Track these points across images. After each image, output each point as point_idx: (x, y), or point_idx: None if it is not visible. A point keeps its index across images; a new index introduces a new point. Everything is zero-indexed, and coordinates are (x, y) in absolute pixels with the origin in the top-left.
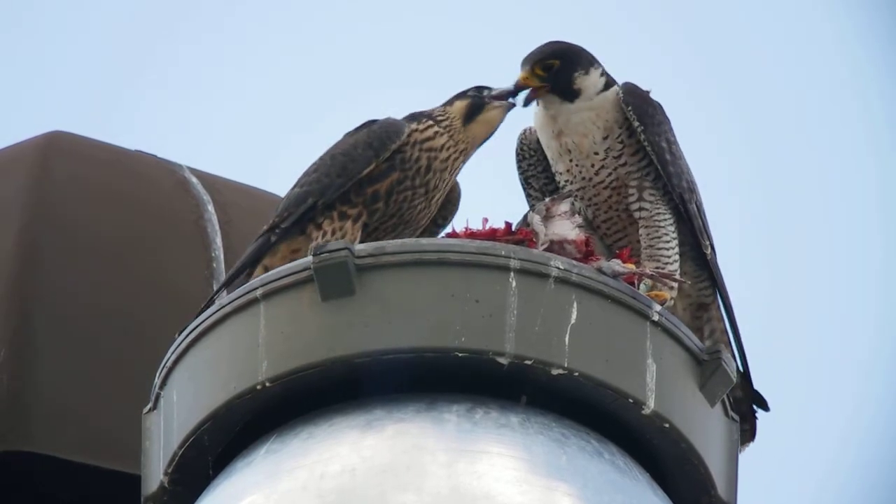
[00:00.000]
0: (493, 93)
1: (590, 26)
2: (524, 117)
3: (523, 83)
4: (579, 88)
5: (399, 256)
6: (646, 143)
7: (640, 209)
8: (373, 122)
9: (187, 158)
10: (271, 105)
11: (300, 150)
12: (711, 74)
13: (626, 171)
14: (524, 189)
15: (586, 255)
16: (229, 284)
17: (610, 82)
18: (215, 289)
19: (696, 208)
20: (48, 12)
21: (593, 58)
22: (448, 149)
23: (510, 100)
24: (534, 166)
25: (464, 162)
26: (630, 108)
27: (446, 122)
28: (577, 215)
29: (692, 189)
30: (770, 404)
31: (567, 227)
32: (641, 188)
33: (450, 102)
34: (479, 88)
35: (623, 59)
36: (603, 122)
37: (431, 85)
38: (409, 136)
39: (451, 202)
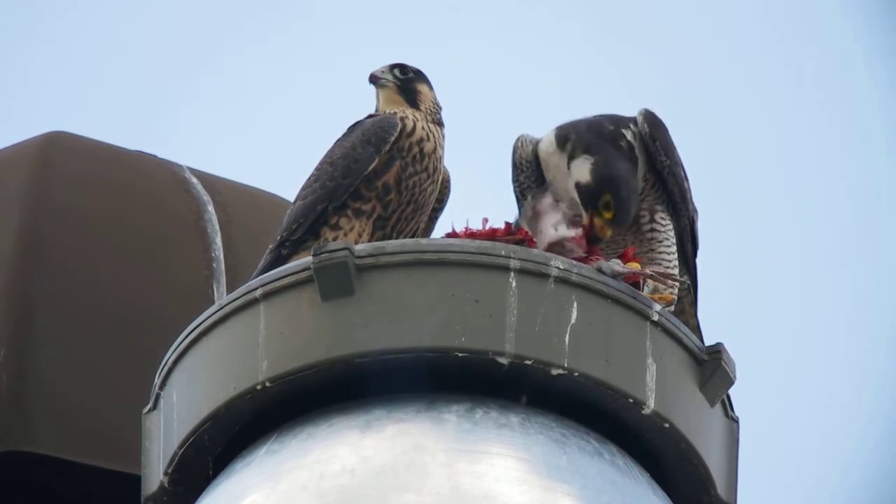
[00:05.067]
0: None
1: (597, 29)
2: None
3: (603, 232)
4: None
5: (399, 256)
6: (669, 177)
7: (652, 230)
8: (358, 123)
9: (187, 159)
10: (272, 105)
11: (301, 150)
12: (710, 75)
13: (646, 201)
14: (519, 202)
15: (589, 249)
16: None
17: (627, 128)
18: (216, 291)
19: (697, 226)
20: (49, 12)
21: (618, 135)
22: (427, 131)
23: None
24: (529, 178)
25: (440, 141)
26: (657, 143)
27: (401, 115)
28: (560, 202)
29: (696, 209)
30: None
31: (558, 219)
32: (653, 211)
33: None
34: (404, 69)
35: (618, 60)
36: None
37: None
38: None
39: (443, 183)
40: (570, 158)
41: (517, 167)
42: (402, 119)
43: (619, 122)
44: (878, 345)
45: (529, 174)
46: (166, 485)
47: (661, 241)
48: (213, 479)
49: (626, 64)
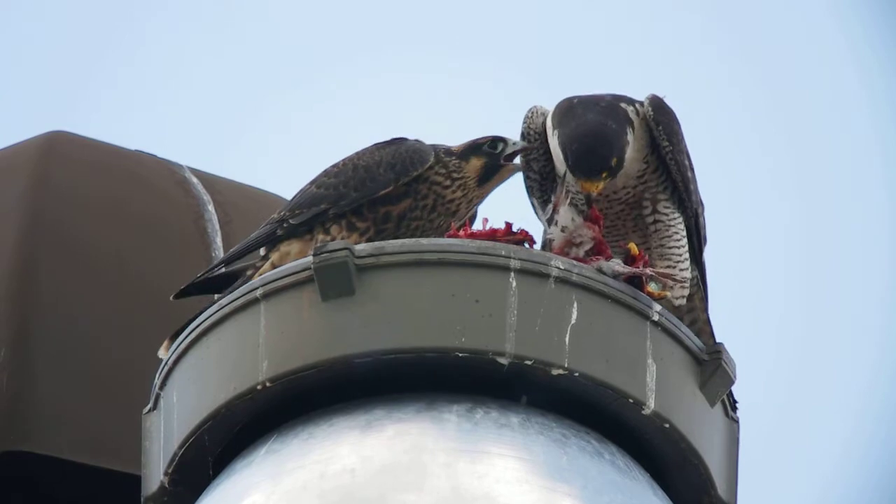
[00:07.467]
0: (509, 151)
1: (608, 23)
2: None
3: (597, 193)
4: (629, 157)
5: (399, 256)
6: (671, 163)
7: (655, 221)
8: (403, 140)
9: (187, 158)
10: (273, 105)
11: (301, 150)
12: (729, 72)
13: (646, 186)
14: (523, 170)
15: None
16: (227, 263)
17: (631, 105)
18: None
19: (703, 220)
20: (48, 11)
21: (622, 112)
22: (457, 198)
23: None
24: (537, 150)
25: (469, 209)
26: (660, 127)
27: (461, 181)
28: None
29: (701, 202)
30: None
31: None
32: (656, 201)
33: (465, 157)
34: (495, 142)
35: (642, 57)
36: (637, 148)
37: (432, 75)
38: (427, 169)
39: None
40: (554, 129)
41: (526, 138)
42: (436, 171)
43: (622, 98)
44: (882, 341)
45: (536, 146)
46: (166, 485)
47: (668, 234)
48: (214, 479)
49: (651, 66)
